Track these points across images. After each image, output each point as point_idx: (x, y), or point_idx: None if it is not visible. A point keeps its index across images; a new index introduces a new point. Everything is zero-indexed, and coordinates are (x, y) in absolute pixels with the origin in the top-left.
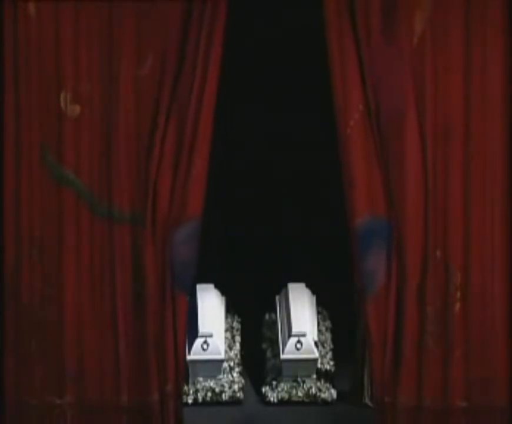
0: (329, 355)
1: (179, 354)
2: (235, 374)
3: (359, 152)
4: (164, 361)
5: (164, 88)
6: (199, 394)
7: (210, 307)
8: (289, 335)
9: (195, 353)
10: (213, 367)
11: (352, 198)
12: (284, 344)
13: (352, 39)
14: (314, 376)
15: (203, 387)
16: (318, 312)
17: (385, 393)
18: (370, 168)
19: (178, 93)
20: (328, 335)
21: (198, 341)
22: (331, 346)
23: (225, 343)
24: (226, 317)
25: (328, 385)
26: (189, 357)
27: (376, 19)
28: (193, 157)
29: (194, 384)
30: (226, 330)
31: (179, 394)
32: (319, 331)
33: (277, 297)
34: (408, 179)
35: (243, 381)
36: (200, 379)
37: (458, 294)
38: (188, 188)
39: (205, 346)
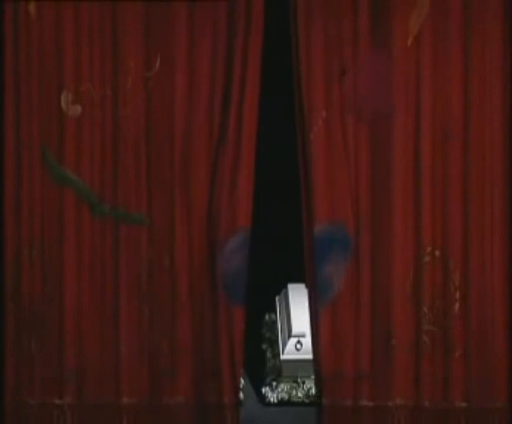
0: None
1: (236, 364)
2: None
3: (322, 157)
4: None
5: (177, 89)
6: None
7: None
8: (289, 336)
9: None
10: None
11: (311, 203)
12: (284, 345)
13: (322, 41)
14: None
15: None
16: None
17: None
18: (334, 174)
19: (197, 98)
20: None
21: None
22: None
23: None
24: None
25: None
26: None
27: (364, 19)
28: (239, 168)
29: None
30: None
31: (237, 404)
32: None
33: (277, 298)
34: (396, 182)
35: (243, 381)
36: None
37: (458, 294)
38: (235, 199)
39: None
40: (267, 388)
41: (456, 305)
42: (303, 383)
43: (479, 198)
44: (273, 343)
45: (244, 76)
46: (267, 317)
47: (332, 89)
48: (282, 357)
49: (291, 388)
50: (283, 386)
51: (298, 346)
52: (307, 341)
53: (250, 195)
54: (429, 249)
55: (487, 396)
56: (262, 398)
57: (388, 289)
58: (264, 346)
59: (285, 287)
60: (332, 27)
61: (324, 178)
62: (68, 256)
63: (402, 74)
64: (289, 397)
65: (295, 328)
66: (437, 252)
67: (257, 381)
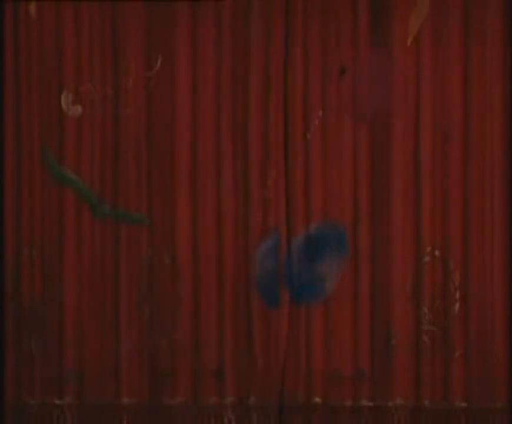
0: None
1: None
2: None
3: (318, 157)
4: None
5: (178, 89)
6: None
7: None
8: None
9: None
10: None
11: (307, 202)
12: None
13: (320, 40)
14: None
15: None
16: None
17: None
18: (331, 173)
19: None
20: None
21: None
22: None
23: None
24: None
25: None
26: None
27: (364, 19)
28: (268, 168)
29: None
30: None
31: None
32: None
33: None
34: (396, 182)
35: None
36: None
37: (458, 294)
38: (265, 199)
39: None
40: None
41: (456, 305)
42: None
43: (479, 198)
44: None
45: (268, 71)
46: None
47: (330, 89)
48: None
49: None
50: None
51: None
52: None
53: (281, 195)
54: (429, 249)
55: (487, 396)
56: None
57: (387, 289)
58: None
59: None
60: (331, 27)
61: (321, 178)
62: (68, 256)
63: (402, 74)
64: None
65: None
66: (437, 252)
67: None
